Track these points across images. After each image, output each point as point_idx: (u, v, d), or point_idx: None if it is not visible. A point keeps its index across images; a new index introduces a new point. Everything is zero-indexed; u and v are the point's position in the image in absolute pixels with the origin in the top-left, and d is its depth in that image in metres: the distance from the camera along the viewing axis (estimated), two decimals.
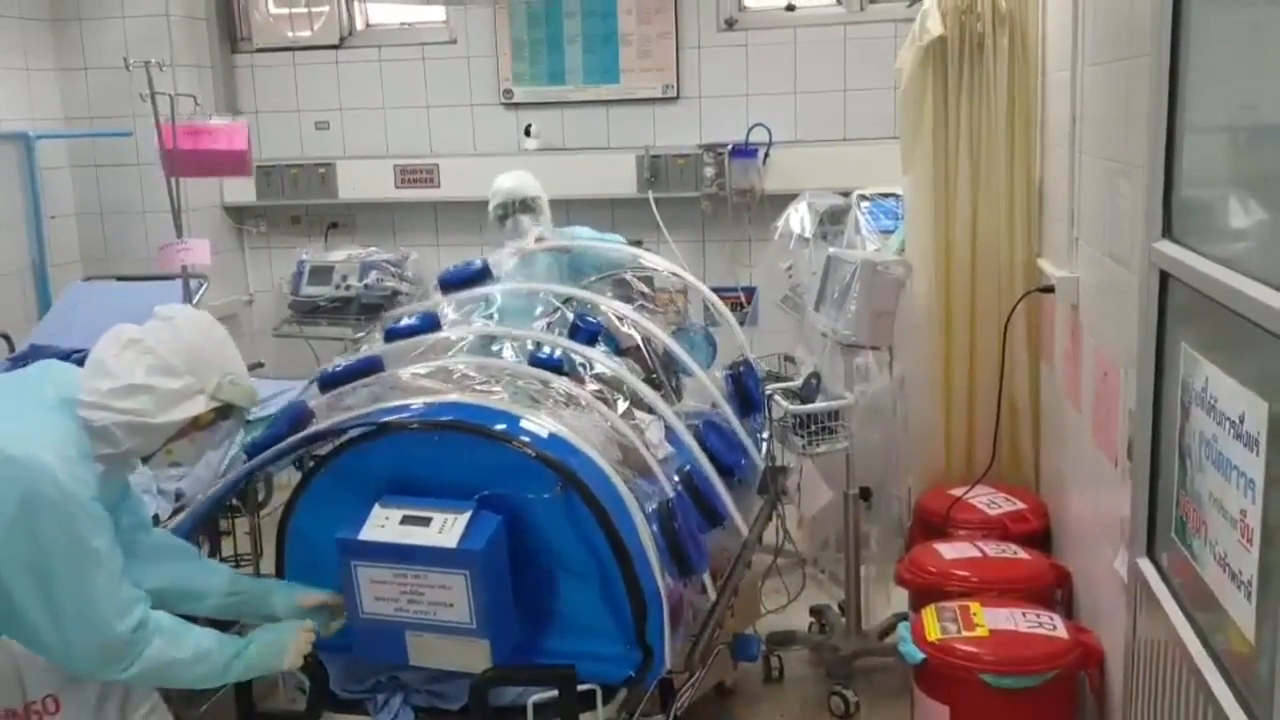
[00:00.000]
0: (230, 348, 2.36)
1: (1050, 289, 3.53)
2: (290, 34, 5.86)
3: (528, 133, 5.67)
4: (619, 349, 3.34)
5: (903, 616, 3.66)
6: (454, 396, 2.59)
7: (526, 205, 4.26)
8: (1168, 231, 2.06)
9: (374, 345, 3.08)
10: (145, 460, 2.37)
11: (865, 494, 3.98)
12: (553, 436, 2.46)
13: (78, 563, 2.10)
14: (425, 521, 2.28)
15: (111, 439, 2.19)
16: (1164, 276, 2.05)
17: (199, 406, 2.25)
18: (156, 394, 2.20)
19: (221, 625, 2.44)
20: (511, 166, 5.63)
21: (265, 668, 2.33)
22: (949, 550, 3.51)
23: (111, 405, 2.18)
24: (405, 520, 2.29)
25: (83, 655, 2.15)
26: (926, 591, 3.38)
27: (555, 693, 2.24)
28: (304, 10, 5.82)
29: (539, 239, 4.05)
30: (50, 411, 2.18)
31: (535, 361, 2.90)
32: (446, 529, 2.26)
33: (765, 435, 3.53)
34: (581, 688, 2.24)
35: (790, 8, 5.42)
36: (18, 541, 2.06)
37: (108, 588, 2.13)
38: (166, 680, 2.29)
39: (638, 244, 5.60)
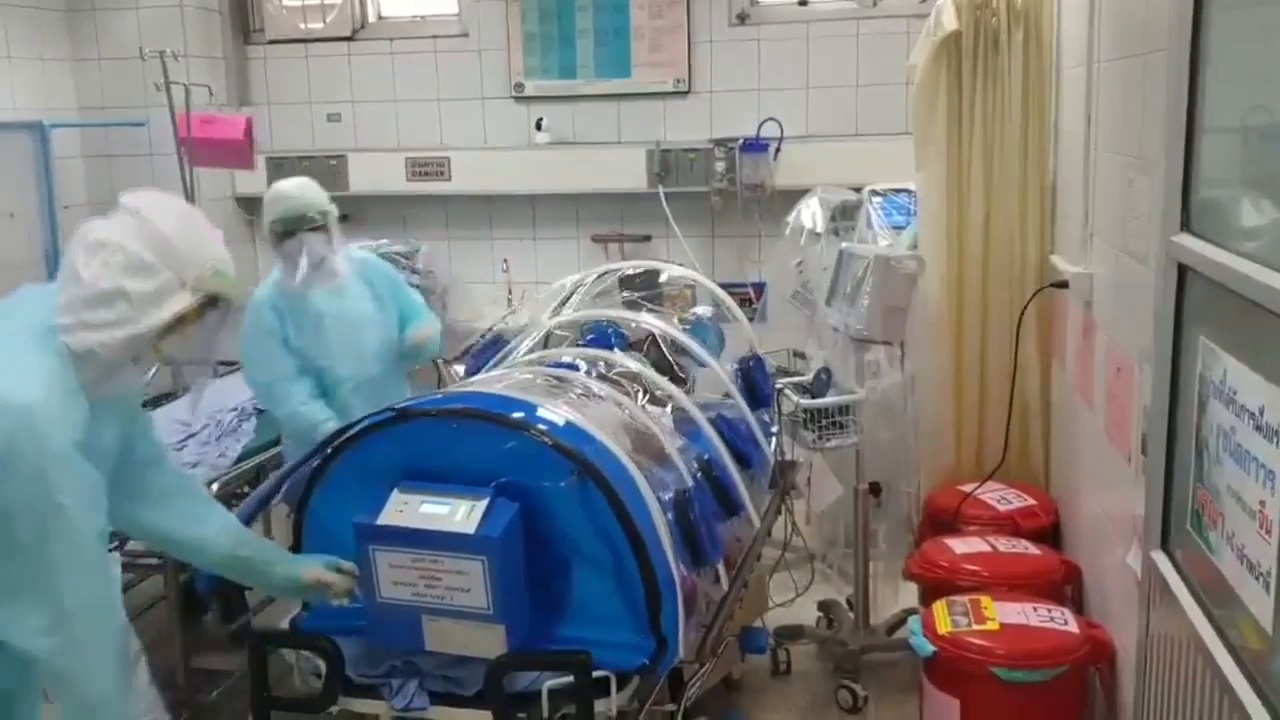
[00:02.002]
0: (207, 234, 2.17)
1: (1064, 284, 3.54)
2: (303, 26, 5.88)
3: (538, 126, 5.68)
4: (629, 343, 3.38)
5: (911, 612, 3.67)
6: (474, 386, 2.58)
7: (313, 222, 3.55)
8: (1186, 225, 2.06)
9: None
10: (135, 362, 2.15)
11: (875, 489, 3.99)
12: (569, 425, 2.47)
13: (39, 520, 1.95)
14: (443, 507, 2.29)
15: (97, 361, 2.03)
16: (1181, 270, 2.06)
17: (182, 302, 2.07)
18: (134, 297, 2.02)
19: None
20: (522, 160, 5.70)
21: None
22: (960, 545, 3.52)
23: (90, 323, 2.01)
24: (423, 506, 2.30)
25: (20, 625, 2.00)
26: (937, 586, 3.39)
27: (569, 679, 2.24)
28: (316, 2, 5.84)
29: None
30: (31, 344, 2.01)
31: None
32: (464, 515, 2.27)
33: (774, 429, 3.54)
34: (595, 674, 2.25)
35: (803, 2, 5.44)
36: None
37: (69, 553, 1.98)
38: (75, 686, 2.06)
39: (646, 239, 5.65)
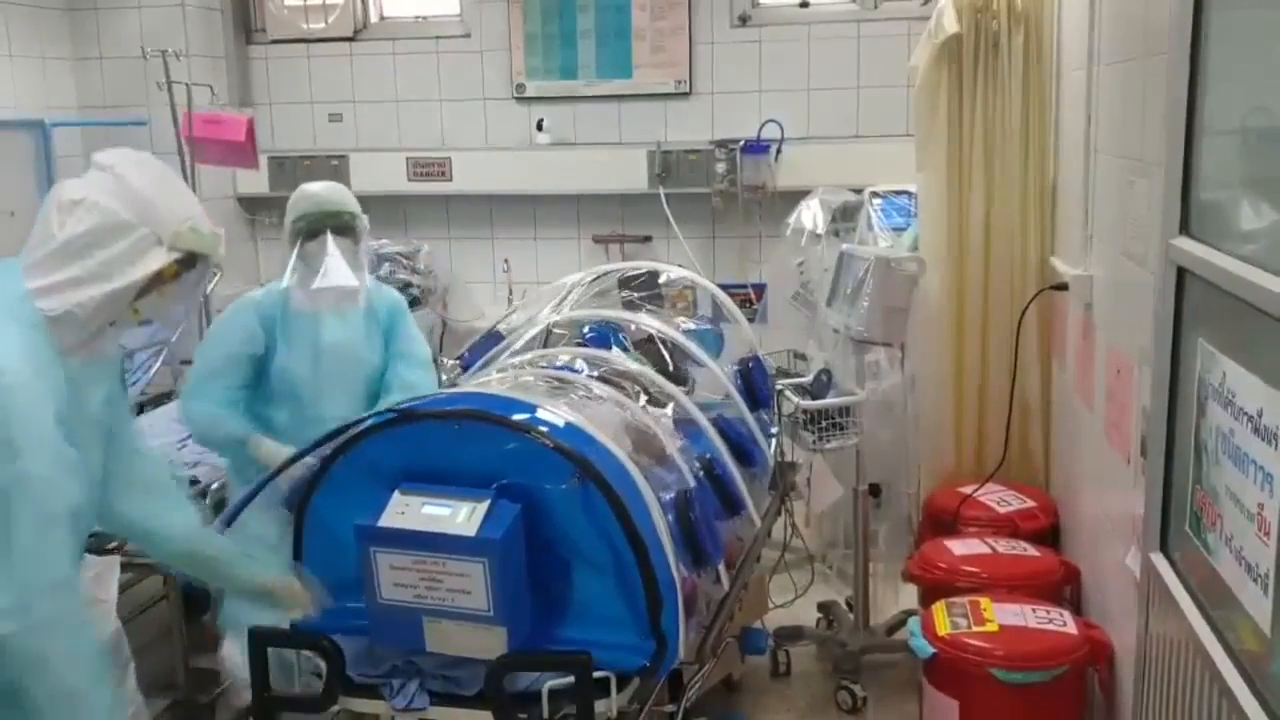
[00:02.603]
0: (183, 191, 2.13)
1: (1064, 287, 3.54)
2: (305, 26, 5.88)
3: (539, 127, 5.69)
4: (629, 343, 3.39)
5: (911, 613, 3.67)
6: (472, 387, 2.59)
7: (343, 222, 3.23)
8: (1185, 228, 2.07)
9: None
10: (111, 325, 2.10)
11: (875, 490, 4.00)
12: (569, 426, 2.48)
13: (3, 491, 1.88)
14: (445, 509, 2.29)
15: (75, 323, 1.99)
16: (1181, 273, 2.07)
17: (159, 260, 2.02)
18: (111, 254, 1.98)
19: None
20: (523, 161, 5.70)
21: None
22: (959, 546, 3.53)
23: (67, 283, 1.97)
24: (425, 507, 2.31)
25: None
26: (936, 587, 3.39)
27: (570, 679, 2.25)
28: (318, 2, 5.85)
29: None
30: (3, 314, 1.96)
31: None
32: (466, 517, 2.27)
33: (774, 430, 3.54)
34: (596, 675, 2.25)
35: (804, 4, 5.44)
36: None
37: (35, 528, 1.90)
38: (45, 672, 1.95)
39: (647, 240, 5.66)
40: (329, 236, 3.16)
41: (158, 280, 2.05)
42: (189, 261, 2.08)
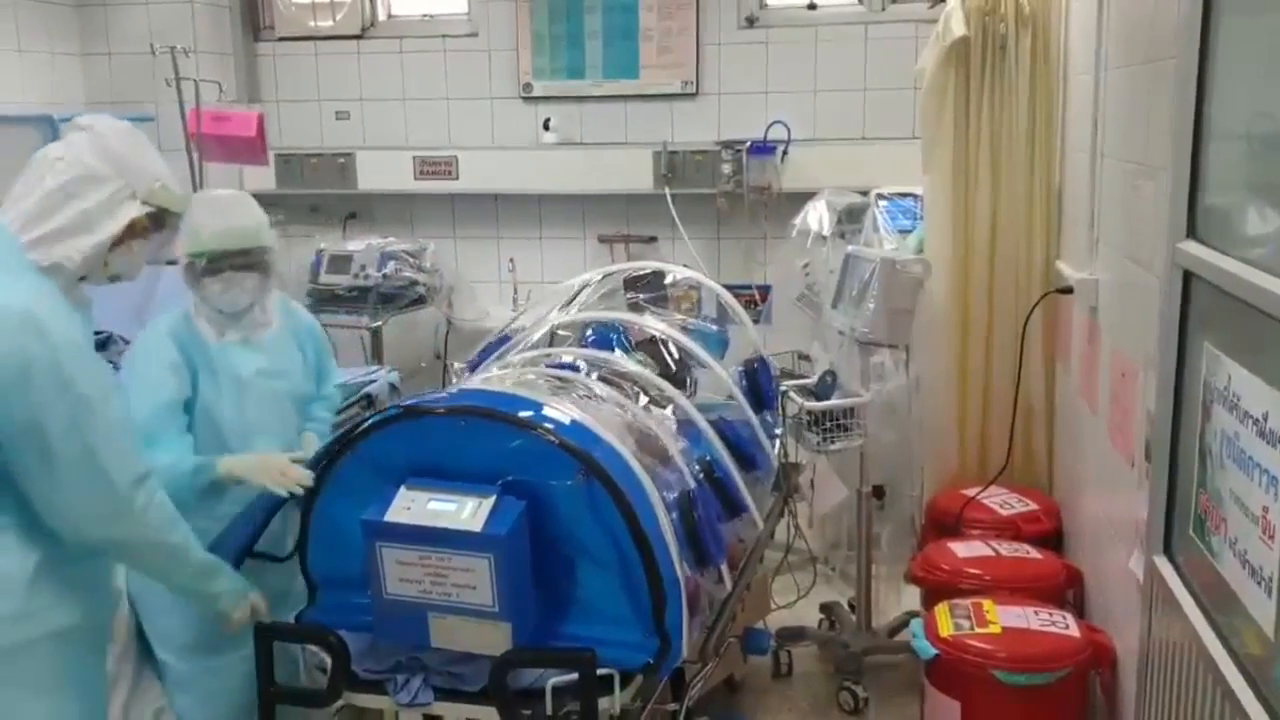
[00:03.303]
0: (154, 154, 2.30)
1: (1069, 290, 3.55)
2: (312, 23, 5.90)
3: (546, 126, 5.70)
4: (632, 344, 3.39)
5: (913, 615, 3.68)
6: (477, 384, 2.60)
7: (250, 260, 2.75)
8: (1191, 232, 2.07)
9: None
10: (82, 279, 2.21)
11: (878, 492, 4.00)
12: (575, 424, 2.48)
13: (68, 417, 2.03)
14: (450, 505, 2.30)
15: (63, 275, 2.14)
16: (1187, 276, 2.07)
17: (133, 211, 2.19)
18: (91, 204, 2.14)
19: None
20: (530, 160, 5.71)
21: (209, 593, 2.41)
22: (962, 549, 3.53)
23: (52, 235, 2.11)
24: (430, 503, 2.31)
25: (92, 524, 2.12)
26: (939, 589, 3.40)
27: (574, 676, 2.26)
28: (326, 0, 5.85)
29: None
30: (8, 266, 2.08)
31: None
32: (471, 513, 2.27)
33: (778, 431, 3.55)
34: (600, 672, 2.26)
35: (811, 6, 5.45)
36: (14, 398, 2.00)
37: (104, 437, 2.09)
38: (144, 559, 2.32)
39: (652, 240, 5.67)
40: (231, 275, 2.71)
41: (130, 234, 2.22)
42: (159, 220, 2.28)
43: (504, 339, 3.52)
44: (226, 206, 2.81)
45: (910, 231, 4.38)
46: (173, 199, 2.29)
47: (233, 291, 2.74)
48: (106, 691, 2.42)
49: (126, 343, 4.33)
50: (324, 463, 2.53)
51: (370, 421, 2.51)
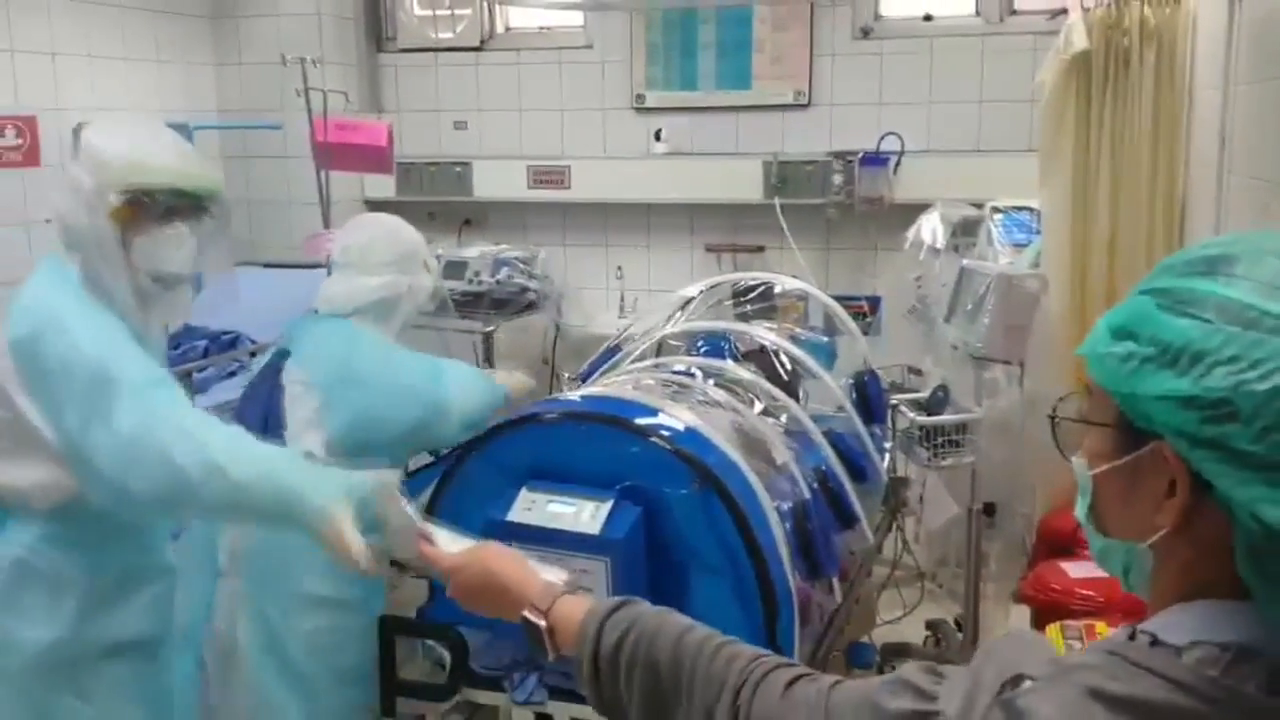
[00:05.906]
0: (140, 139, 2.29)
1: None
2: (433, 35, 6.04)
3: (657, 137, 5.76)
4: (741, 354, 3.42)
5: None
6: (598, 389, 2.66)
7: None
8: None
9: None
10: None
11: (989, 510, 3.96)
12: (691, 431, 2.52)
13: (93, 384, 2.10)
14: (569, 507, 2.36)
15: (99, 287, 2.24)
16: None
17: (110, 202, 2.22)
18: (74, 218, 2.22)
19: None
20: (639, 170, 5.77)
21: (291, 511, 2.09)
22: (1075, 569, 3.47)
23: (78, 260, 2.22)
24: (550, 505, 2.37)
25: (151, 482, 2.10)
26: (1050, 609, 3.34)
27: None
28: (447, 13, 6.00)
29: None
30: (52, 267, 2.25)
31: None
32: (590, 516, 2.33)
33: (888, 445, 3.54)
34: None
35: (928, 17, 5.40)
36: (56, 386, 2.11)
37: (172, 408, 2.16)
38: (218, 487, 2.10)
39: (760, 250, 5.68)
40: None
41: (131, 229, 2.25)
42: (147, 206, 2.25)
43: (613, 350, 3.58)
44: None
45: (1026, 246, 4.32)
46: (145, 175, 2.23)
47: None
48: (172, 701, 2.54)
49: (254, 342, 4.51)
50: (452, 463, 2.61)
51: (494, 425, 2.58)
